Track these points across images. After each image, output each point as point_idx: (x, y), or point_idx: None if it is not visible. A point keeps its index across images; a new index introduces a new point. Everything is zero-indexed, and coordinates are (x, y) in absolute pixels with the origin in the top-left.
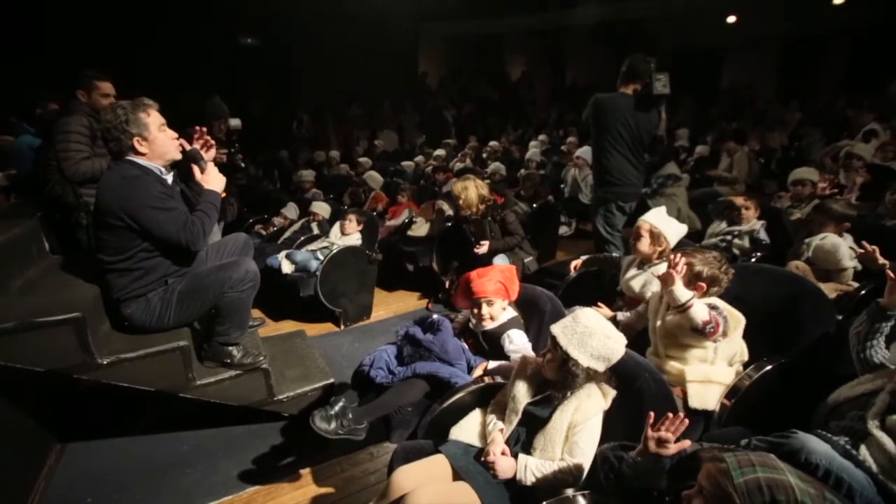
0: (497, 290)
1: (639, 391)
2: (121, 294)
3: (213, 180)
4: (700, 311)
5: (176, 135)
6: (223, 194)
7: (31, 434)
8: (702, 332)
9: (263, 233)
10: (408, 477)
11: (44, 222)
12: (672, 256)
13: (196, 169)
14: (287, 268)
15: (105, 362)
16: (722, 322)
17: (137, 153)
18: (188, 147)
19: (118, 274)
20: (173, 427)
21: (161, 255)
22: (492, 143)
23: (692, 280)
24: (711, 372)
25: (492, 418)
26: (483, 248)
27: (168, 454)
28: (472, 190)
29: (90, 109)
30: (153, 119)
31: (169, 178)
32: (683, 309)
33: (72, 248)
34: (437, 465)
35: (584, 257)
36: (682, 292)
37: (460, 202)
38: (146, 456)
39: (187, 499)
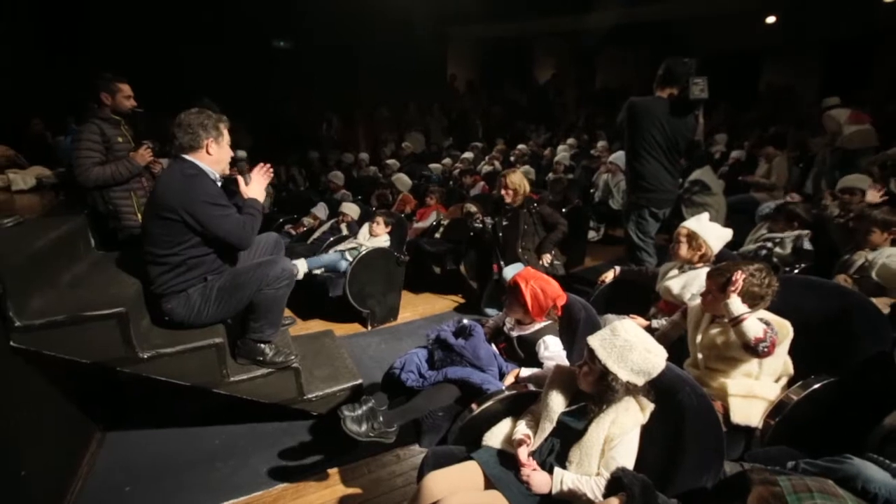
0: (517, 296)
1: (679, 405)
2: (162, 289)
3: (254, 190)
4: (753, 326)
5: (232, 153)
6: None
7: (76, 421)
8: (754, 351)
9: (293, 232)
10: (439, 483)
11: (90, 219)
12: (732, 274)
13: (241, 180)
14: (303, 267)
15: (145, 356)
16: (775, 339)
17: (201, 153)
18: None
19: (163, 268)
20: (206, 421)
21: (208, 253)
22: (520, 146)
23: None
24: (756, 387)
25: (521, 423)
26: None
27: (201, 448)
28: (522, 176)
29: (107, 114)
30: (226, 134)
31: (218, 183)
32: (736, 322)
33: (115, 245)
34: (468, 472)
35: (616, 268)
36: (736, 306)
37: (511, 185)
38: (180, 448)
39: (218, 493)
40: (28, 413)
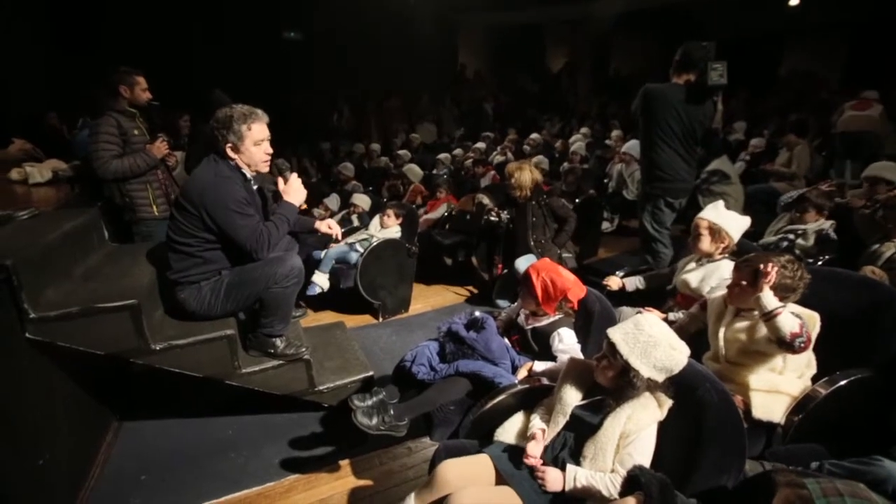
0: (528, 288)
1: (699, 402)
2: (178, 276)
3: (293, 193)
4: (789, 321)
5: (271, 151)
6: (303, 206)
7: (92, 411)
8: (790, 346)
9: None
10: (453, 472)
11: (104, 211)
12: (765, 266)
13: (280, 180)
14: (323, 283)
15: (158, 348)
16: (811, 334)
17: (228, 154)
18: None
19: (179, 255)
20: (219, 412)
21: (221, 250)
22: (533, 135)
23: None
24: (780, 381)
25: (535, 417)
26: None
27: (214, 438)
28: (527, 173)
29: (124, 106)
30: (252, 133)
31: (254, 183)
32: (769, 317)
33: (128, 237)
34: (481, 466)
35: (621, 281)
36: (769, 300)
37: (512, 181)
38: (194, 438)
39: (232, 483)
40: (45, 403)
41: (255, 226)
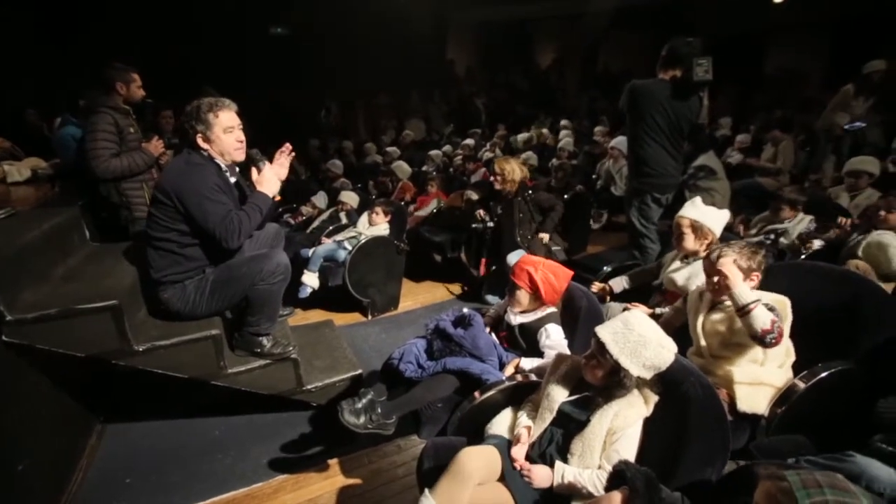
0: (527, 283)
1: (684, 396)
2: (160, 276)
3: (266, 183)
4: (761, 317)
5: (242, 138)
6: (277, 197)
7: (75, 413)
8: (761, 341)
9: (292, 222)
10: (476, 463)
11: (85, 210)
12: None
13: (254, 170)
14: (313, 282)
15: (141, 349)
16: (783, 329)
17: (199, 145)
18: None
19: (160, 253)
20: (206, 412)
21: (200, 246)
22: (544, 130)
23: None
24: (762, 373)
25: (522, 415)
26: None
27: (201, 439)
28: (517, 167)
29: (118, 103)
30: (220, 120)
31: (230, 175)
32: (744, 312)
33: (111, 236)
34: (494, 458)
35: (607, 269)
36: (745, 294)
37: (505, 174)
38: (180, 439)
39: (219, 484)
40: (24, 407)
41: (225, 213)
